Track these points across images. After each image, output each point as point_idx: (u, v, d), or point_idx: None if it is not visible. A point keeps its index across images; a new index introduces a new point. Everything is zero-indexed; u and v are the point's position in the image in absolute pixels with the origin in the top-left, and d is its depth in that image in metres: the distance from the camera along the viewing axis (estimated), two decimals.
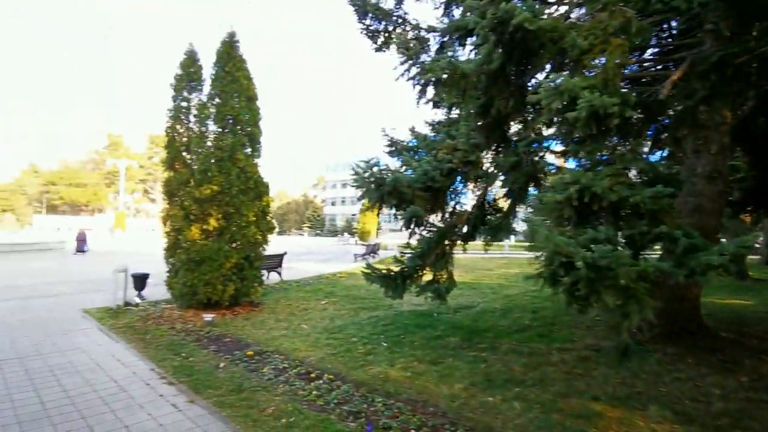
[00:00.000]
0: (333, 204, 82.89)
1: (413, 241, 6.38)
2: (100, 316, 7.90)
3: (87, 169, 78.61)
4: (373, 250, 22.58)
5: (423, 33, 7.67)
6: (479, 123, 4.49)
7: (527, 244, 4.30)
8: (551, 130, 6.33)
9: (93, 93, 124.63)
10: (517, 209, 6.39)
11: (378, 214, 5.72)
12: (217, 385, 4.63)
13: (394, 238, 40.25)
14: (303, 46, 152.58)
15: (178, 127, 8.54)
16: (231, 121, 8.38)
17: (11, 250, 25.53)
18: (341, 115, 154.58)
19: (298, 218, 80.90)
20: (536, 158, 5.89)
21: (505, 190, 6.81)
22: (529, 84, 4.58)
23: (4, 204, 73.50)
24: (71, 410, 3.98)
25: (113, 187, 72.64)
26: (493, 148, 5.61)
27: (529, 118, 5.54)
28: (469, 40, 4.79)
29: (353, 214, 72.43)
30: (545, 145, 5.91)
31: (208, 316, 7.40)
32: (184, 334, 6.59)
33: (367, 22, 8.62)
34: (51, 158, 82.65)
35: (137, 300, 8.94)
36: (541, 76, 4.72)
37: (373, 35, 8.65)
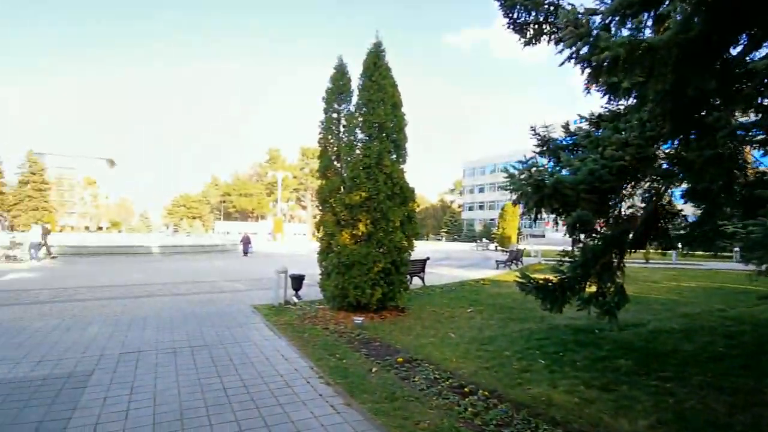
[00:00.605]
0: (470, 209, 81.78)
1: (569, 248, 5.72)
2: (266, 312, 8.75)
3: (253, 180, 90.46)
4: (515, 256, 21.45)
5: (580, 17, 6.89)
6: (667, 108, 3.74)
7: (705, 253, 3.43)
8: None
9: (260, 112, 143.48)
10: (709, 213, 5.28)
11: (535, 219, 5.21)
12: (371, 390, 4.66)
13: (535, 244, 37.89)
14: (443, 46, 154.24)
15: (329, 137, 9.10)
16: (377, 128, 8.62)
17: (200, 251, 30.42)
18: (477, 117, 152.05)
19: (436, 223, 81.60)
20: (737, 150, 4.80)
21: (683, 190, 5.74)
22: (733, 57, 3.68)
23: (194, 212, 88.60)
24: (247, 399, 4.35)
25: (272, 196, 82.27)
26: (679, 139, 4.69)
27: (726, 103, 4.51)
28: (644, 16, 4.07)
29: (491, 219, 70.27)
30: (751, 134, 4.76)
31: (357, 319, 7.67)
32: (337, 336, 6.89)
33: (515, 15, 8.12)
34: (227, 172, 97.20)
35: (295, 299, 9.73)
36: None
37: (521, 28, 8.10)
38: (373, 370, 5.28)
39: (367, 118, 8.61)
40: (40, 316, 8.15)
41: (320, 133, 9.24)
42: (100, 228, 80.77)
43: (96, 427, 3.67)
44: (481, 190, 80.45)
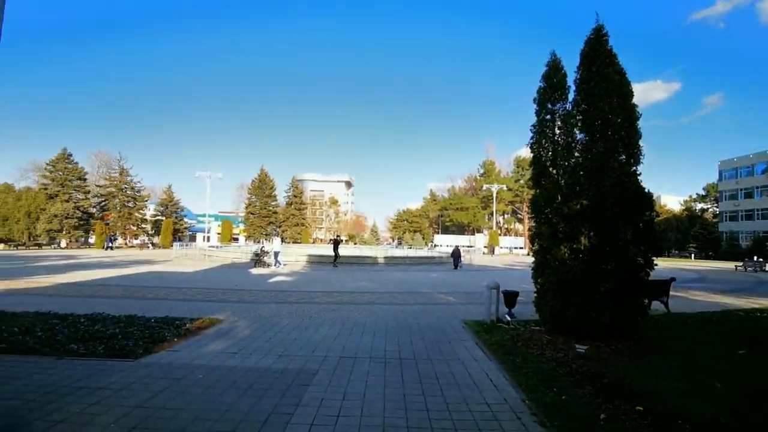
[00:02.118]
0: (731, 219, 65.05)
1: None
2: (477, 329, 8.37)
3: (468, 194, 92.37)
4: None
5: None
6: None
7: None
8: None
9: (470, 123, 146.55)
10: None
11: None
12: None
13: None
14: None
15: (542, 141, 8.24)
16: (600, 125, 7.38)
17: (418, 263, 32.29)
18: (733, 105, 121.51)
19: (681, 236, 67.72)
20: None
21: None
22: None
23: (415, 225, 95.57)
24: (449, 426, 4.02)
25: (488, 209, 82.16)
26: None
27: None
28: None
29: (765, 232, 54.63)
30: None
31: (580, 347, 6.56)
32: (555, 364, 6.00)
33: None
34: (443, 185, 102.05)
35: (507, 318, 9.08)
36: None
37: None
38: (602, 416, 4.28)
39: (587, 115, 7.46)
40: (289, 315, 9.65)
41: (532, 138, 8.46)
42: (340, 241, 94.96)
43: (311, 428, 3.88)
44: (748, 195, 63.04)
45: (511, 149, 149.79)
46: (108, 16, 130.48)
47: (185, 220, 70.02)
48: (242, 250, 33.37)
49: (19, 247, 49.25)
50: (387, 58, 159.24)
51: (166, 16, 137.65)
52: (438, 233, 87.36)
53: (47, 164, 58.65)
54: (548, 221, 7.89)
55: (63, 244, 53.66)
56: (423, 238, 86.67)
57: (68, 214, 55.40)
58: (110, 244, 49.25)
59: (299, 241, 74.34)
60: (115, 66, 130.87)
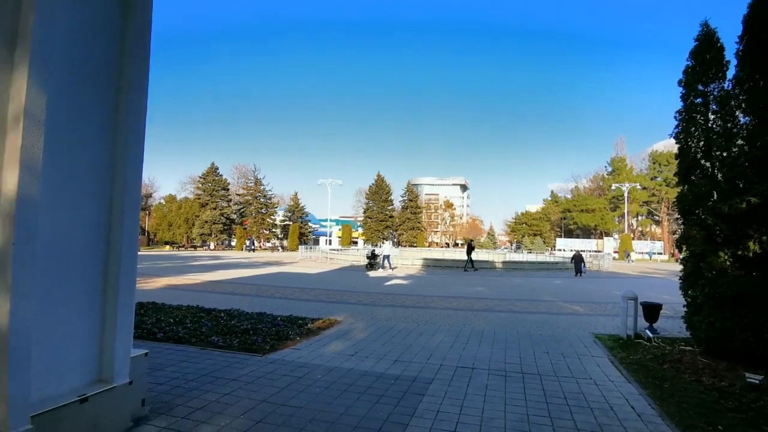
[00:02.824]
0: None
1: None
2: (610, 344, 7.45)
3: (595, 194, 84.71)
4: None
5: None
6: None
7: None
8: None
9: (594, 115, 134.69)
10: None
11: None
12: None
13: None
14: None
15: (691, 129, 7.03)
16: None
17: (539, 268, 30.41)
18: None
19: None
20: None
21: None
22: None
23: (535, 228, 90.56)
24: None
25: (618, 211, 74.45)
26: None
27: None
28: None
29: None
30: None
31: (753, 378, 5.37)
32: (717, 395, 5.00)
33: None
34: (563, 186, 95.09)
35: (648, 334, 7.92)
36: None
37: None
38: None
39: (755, 94, 6.17)
40: (404, 319, 9.64)
41: (677, 127, 7.29)
42: (456, 245, 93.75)
43: None
44: None
45: (645, 143, 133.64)
46: (225, 32, 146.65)
47: (309, 224, 75.48)
48: (360, 254, 34.74)
49: (179, 248, 57.57)
50: (501, 54, 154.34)
51: (283, 29, 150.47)
52: (560, 237, 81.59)
53: (200, 177, 67.86)
54: (700, 223, 6.71)
55: (212, 246, 61.38)
56: (544, 242, 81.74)
57: (215, 220, 63.29)
58: (252, 247, 55.10)
59: (415, 244, 75.23)
60: (248, 82, 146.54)
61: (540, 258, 40.95)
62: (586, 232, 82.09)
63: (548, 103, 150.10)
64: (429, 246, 79.92)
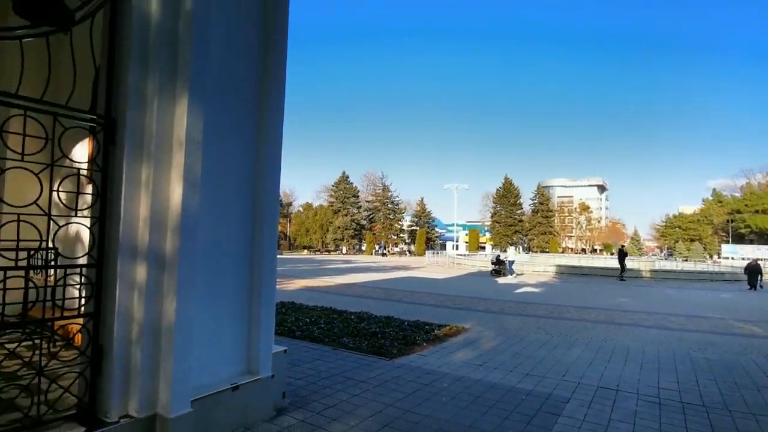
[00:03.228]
0: None
1: None
2: None
3: None
4: None
5: None
6: None
7: None
8: None
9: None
10: None
11: None
12: None
13: None
14: None
15: None
16: None
17: (699, 279, 26.23)
18: None
19: None
20: None
21: None
22: None
23: (691, 233, 78.51)
24: None
25: None
26: None
27: None
28: None
29: None
30: None
31: None
32: None
33: None
34: (733, 186, 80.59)
35: None
36: None
37: None
38: None
39: None
40: (536, 329, 9.05)
41: None
42: (594, 250, 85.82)
43: None
44: None
45: None
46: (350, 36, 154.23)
47: (436, 229, 76.01)
48: (488, 259, 33.78)
49: (315, 252, 62.62)
50: (644, 41, 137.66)
51: (408, 33, 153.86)
52: (727, 242, 69.34)
53: (332, 186, 73.08)
54: None
55: (344, 250, 65.49)
56: (705, 249, 70.34)
57: (347, 226, 67.48)
58: (384, 251, 57.62)
59: (546, 250, 70.83)
60: (374, 88, 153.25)
61: (699, 267, 35.28)
62: (763, 237, 68.44)
63: (704, 86, 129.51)
64: (562, 252, 74.47)
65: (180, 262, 3.07)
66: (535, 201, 79.40)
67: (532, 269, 28.77)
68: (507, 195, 76.00)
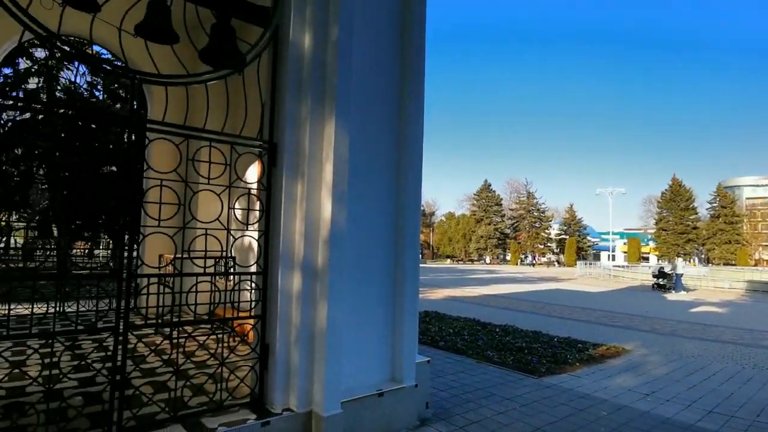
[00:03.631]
0: None
1: None
2: None
3: None
4: None
5: None
6: None
7: None
8: None
9: None
10: None
11: None
12: None
13: None
14: None
15: None
16: None
17: None
18: None
19: None
20: None
21: None
22: None
23: None
24: None
25: None
26: None
27: None
28: None
29: None
30: None
31: None
32: None
33: None
34: None
35: None
36: None
37: None
38: None
39: None
40: (721, 358, 7.60)
41: None
42: None
43: None
44: None
45: None
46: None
47: (588, 238, 69.38)
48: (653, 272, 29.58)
49: (458, 262, 62.36)
50: None
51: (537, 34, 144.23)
52: None
53: (474, 195, 72.16)
54: None
55: (487, 260, 63.94)
56: None
57: (490, 235, 65.84)
58: (533, 261, 54.92)
59: (732, 262, 59.22)
60: (508, 91, 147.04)
61: None
62: None
63: None
64: (755, 265, 61.36)
65: (330, 272, 3.32)
66: (715, 204, 67.06)
67: (712, 285, 24.27)
68: (676, 198, 65.61)
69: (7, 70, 11.33)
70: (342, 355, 3.42)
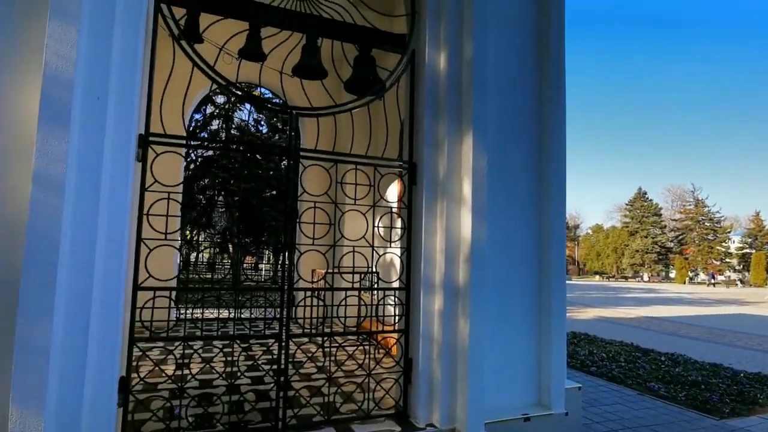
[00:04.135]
0: None
1: None
2: None
3: None
4: None
5: None
6: None
7: None
8: None
9: None
10: None
11: None
12: None
13: None
14: None
15: None
16: None
17: None
18: None
19: None
20: None
21: None
22: None
23: None
24: None
25: None
26: None
27: None
28: None
29: None
30: None
31: None
32: None
33: None
34: None
35: None
36: None
37: None
38: None
39: None
40: None
41: None
42: None
43: None
44: None
45: None
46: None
47: None
48: None
49: (609, 279, 56.27)
50: None
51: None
52: None
53: (626, 205, 64.71)
54: None
55: (645, 277, 56.50)
56: None
57: (647, 249, 58.17)
58: (712, 281, 47.00)
59: None
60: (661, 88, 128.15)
61: None
62: None
63: None
64: None
65: (472, 289, 3.29)
66: None
67: None
68: None
69: (197, 116, 13.85)
70: (485, 374, 3.33)
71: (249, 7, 3.44)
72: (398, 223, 3.68)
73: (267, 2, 3.51)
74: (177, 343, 4.02)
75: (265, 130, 16.19)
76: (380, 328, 3.73)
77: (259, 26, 3.52)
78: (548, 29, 4.01)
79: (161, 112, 2.96)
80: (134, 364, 2.88)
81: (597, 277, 58.93)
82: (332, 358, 3.45)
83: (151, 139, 2.92)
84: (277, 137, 15.66)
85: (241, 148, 4.16)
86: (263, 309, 5.35)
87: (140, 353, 2.87)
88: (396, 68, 3.66)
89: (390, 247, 3.62)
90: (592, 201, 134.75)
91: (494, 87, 3.70)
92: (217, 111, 14.14)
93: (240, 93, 3.26)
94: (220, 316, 6.83)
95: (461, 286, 3.38)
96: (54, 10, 2.38)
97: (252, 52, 3.53)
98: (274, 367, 3.14)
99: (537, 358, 3.88)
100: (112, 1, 2.58)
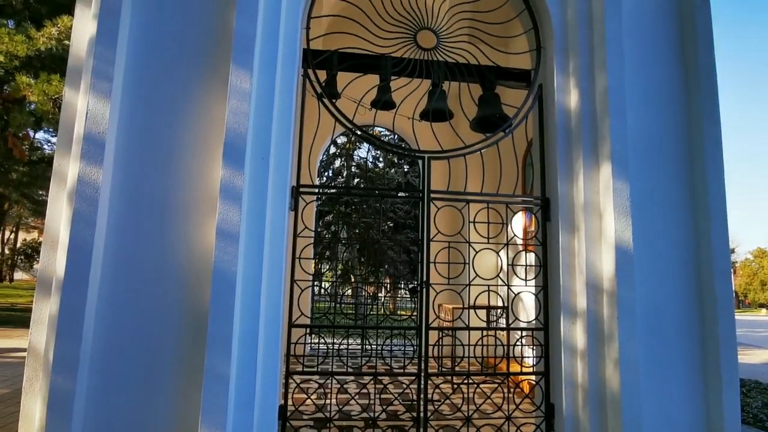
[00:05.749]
0: None
1: None
2: None
3: None
4: None
5: None
6: None
7: None
8: None
9: None
10: None
11: None
12: None
13: None
14: None
15: None
16: None
17: None
18: None
19: None
20: None
21: None
22: None
23: None
24: None
25: None
26: None
27: None
28: None
29: None
30: None
31: None
32: None
33: None
34: None
35: None
36: None
37: None
38: None
39: None
40: None
41: None
42: None
43: None
44: None
45: None
46: None
47: None
48: None
49: None
50: None
51: None
52: None
53: None
54: None
55: None
56: None
57: None
58: None
59: None
60: None
61: None
62: None
63: None
64: None
65: (620, 333, 3.02)
66: None
67: None
68: None
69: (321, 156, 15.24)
70: (642, 428, 3.00)
71: (378, 61, 3.73)
72: (531, 259, 3.56)
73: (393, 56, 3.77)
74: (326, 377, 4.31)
75: (381, 165, 17.12)
76: (519, 369, 3.59)
77: (389, 78, 3.78)
78: (693, 35, 3.57)
79: (309, 165, 3.32)
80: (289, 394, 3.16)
81: (763, 310, 49.41)
82: (470, 397, 3.41)
83: (301, 189, 3.27)
84: (393, 171, 16.42)
85: (377, 192, 4.43)
86: (404, 347, 5.58)
87: (295, 385, 3.15)
88: (524, 104, 3.63)
89: (526, 285, 3.50)
90: (751, 221, 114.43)
91: (633, 112, 3.45)
92: (339, 151, 15.43)
93: (377, 142, 3.54)
94: (351, 346, 7.18)
95: (606, 330, 3.13)
96: (233, 91, 2.86)
97: (384, 102, 3.80)
98: (413, 403, 3.20)
99: (704, 411, 3.37)
100: (272, 80, 3.01)
